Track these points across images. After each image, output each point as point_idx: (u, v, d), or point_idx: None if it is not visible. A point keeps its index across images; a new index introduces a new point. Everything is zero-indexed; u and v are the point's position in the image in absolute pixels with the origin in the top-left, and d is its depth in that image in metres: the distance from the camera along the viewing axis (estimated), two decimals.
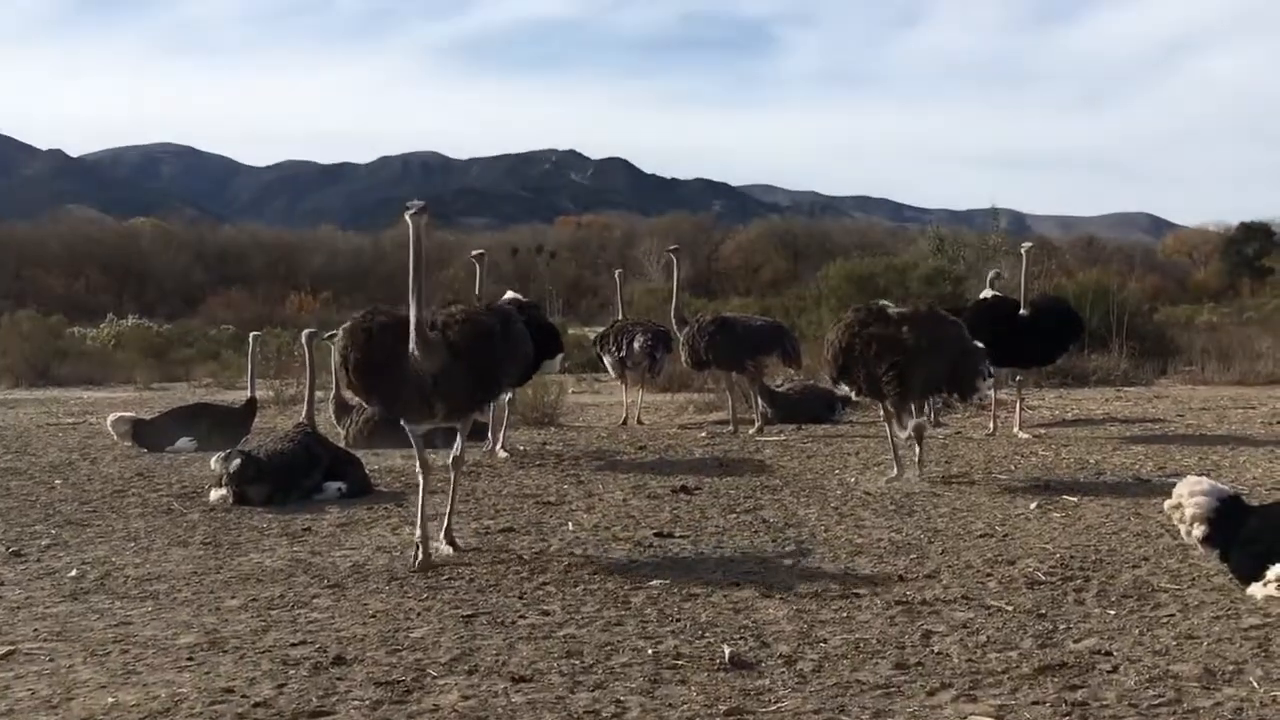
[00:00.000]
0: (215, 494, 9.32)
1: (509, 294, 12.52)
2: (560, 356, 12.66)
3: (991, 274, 14.83)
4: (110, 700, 4.79)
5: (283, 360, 21.14)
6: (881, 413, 10.34)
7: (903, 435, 9.74)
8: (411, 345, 6.82)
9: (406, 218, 6.90)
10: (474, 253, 12.57)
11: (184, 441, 12.49)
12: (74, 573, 7.08)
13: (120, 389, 24.28)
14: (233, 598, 6.46)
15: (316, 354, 10.74)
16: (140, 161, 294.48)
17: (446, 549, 7.41)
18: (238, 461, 9.26)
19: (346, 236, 79.06)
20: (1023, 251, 14.20)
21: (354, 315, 7.55)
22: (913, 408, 9.90)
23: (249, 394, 13.16)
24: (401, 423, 7.45)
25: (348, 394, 7.71)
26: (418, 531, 7.26)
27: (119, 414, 13.28)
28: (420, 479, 7.44)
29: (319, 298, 51.20)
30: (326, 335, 12.06)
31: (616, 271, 17.62)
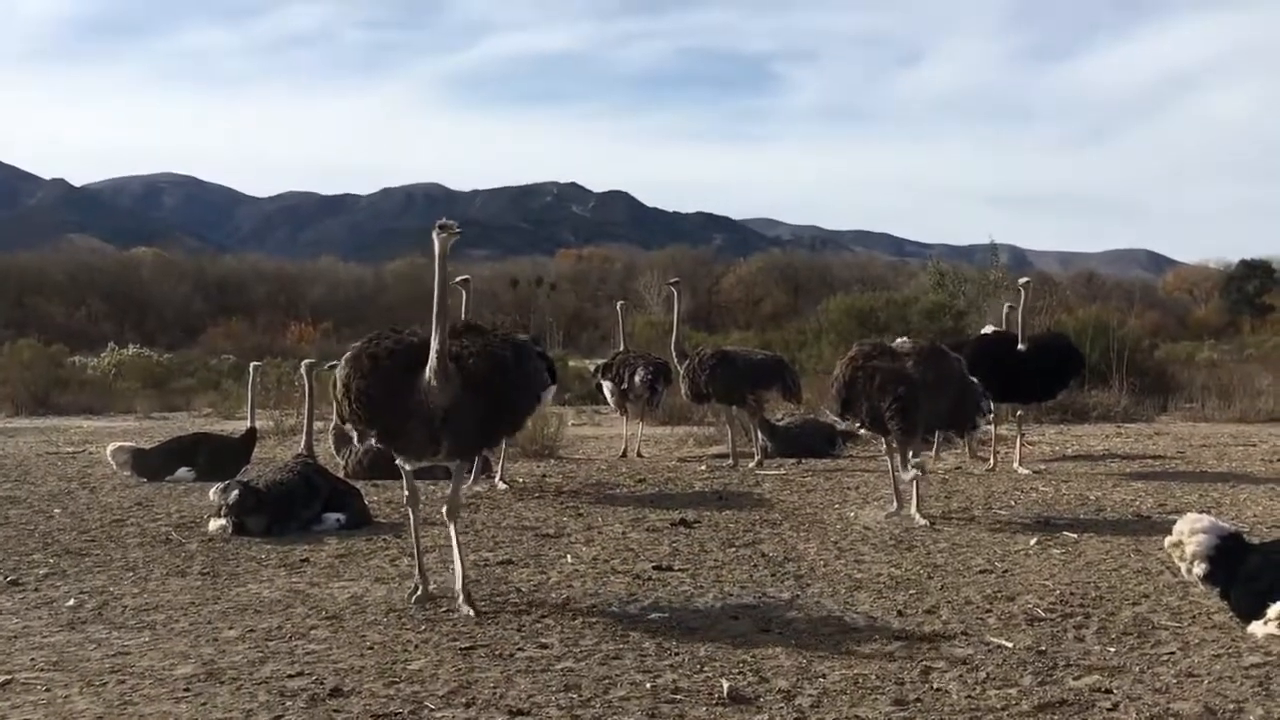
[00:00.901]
0: (214, 524, 9.31)
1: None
2: (553, 389, 12.60)
3: (1006, 307, 14.93)
4: None
5: (283, 390, 21.14)
6: (883, 447, 10.35)
7: (907, 476, 9.72)
8: (429, 374, 6.31)
9: (434, 236, 6.43)
10: (457, 279, 12.44)
11: (183, 471, 12.48)
12: (72, 602, 7.07)
13: (120, 418, 24.28)
14: (230, 628, 6.44)
15: (316, 384, 10.75)
16: (143, 191, 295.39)
17: (467, 610, 6.70)
18: (236, 492, 9.25)
19: (348, 267, 79.29)
20: (1021, 287, 14.23)
21: (358, 341, 6.99)
22: (916, 443, 9.92)
23: (249, 424, 13.15)
24: (397, 459, 6.94)
25: (347, 427, 7.03)
26: (416, 564, 7.09)
27: (118, 444, 13.27)
28: (409, 512, 7.12)
29: (319, 328, 51.30)
30: (327, 366, 12.08)
31: (619, 303, 17.61)
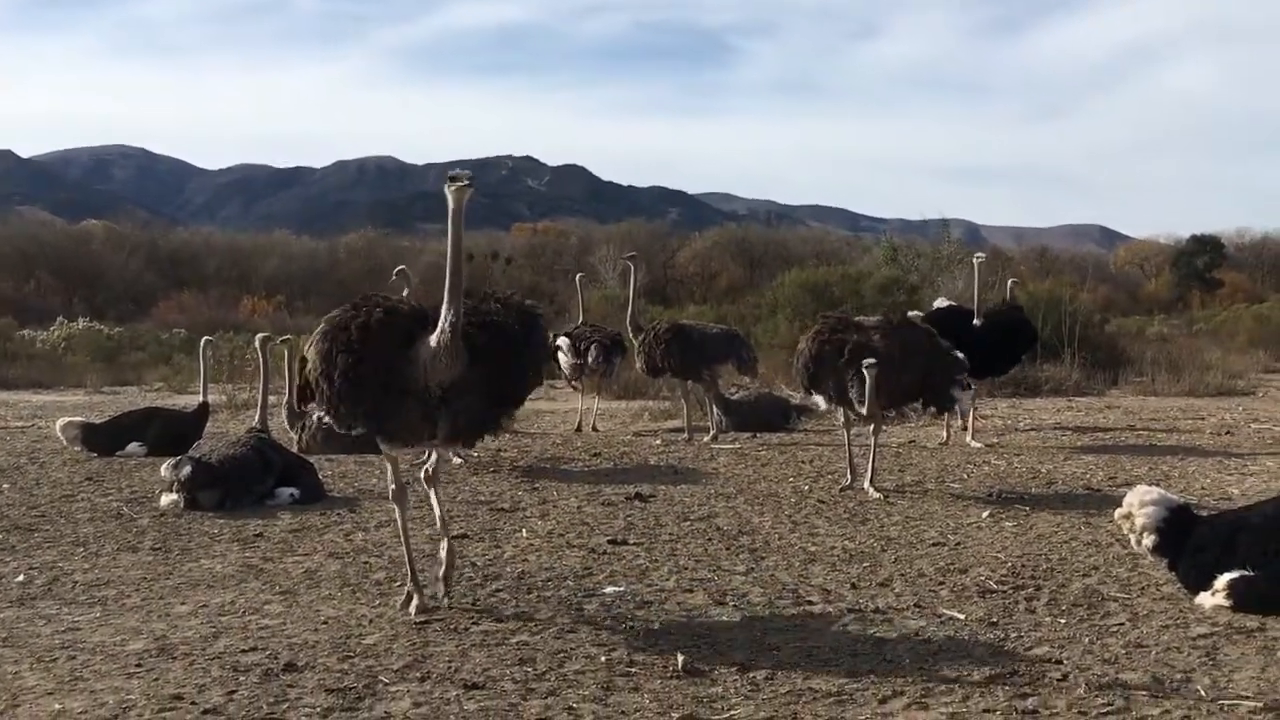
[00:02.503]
0: (166, 499, 9.25)
1: None
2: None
3: (1012, 282, 15.25)
4: (57, 707, 4.74)
5: (235, 365, 20.98)
6: (840, 420, 10.38)
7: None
8: (435, 346, 5.55)
9: (447, 191, 5.70)
10: (396, 270, 12.36)
11: (134, 446, 12.38)
12: (21, 578, 7.01)
13: (70, 392, 24.01)
14: (183, 604, 6.41)
15: (270, 358, 10.67)
16: (92, 163, 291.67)
17: (441, 590, 6.31)
18: (188, 469, 9.18)
19: (301, 241, 78.45)
20: (975, 263, 14.31)
21: (339, 309, 6.10)
22: (883, 417, 9.93)
23: (201, 399, 13.05)
24: (383, 446, 6.16)
25: (320, 412, 6.35)
26: (406, 568, 6.23)
27: (68, 418, 13.13)
28: (396, 512, 6.41)
29: (273, 302, 50.85)
30: (280, 340, 12.01)
31: (578, 276, 17.60)
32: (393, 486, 6.30)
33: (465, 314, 5.66)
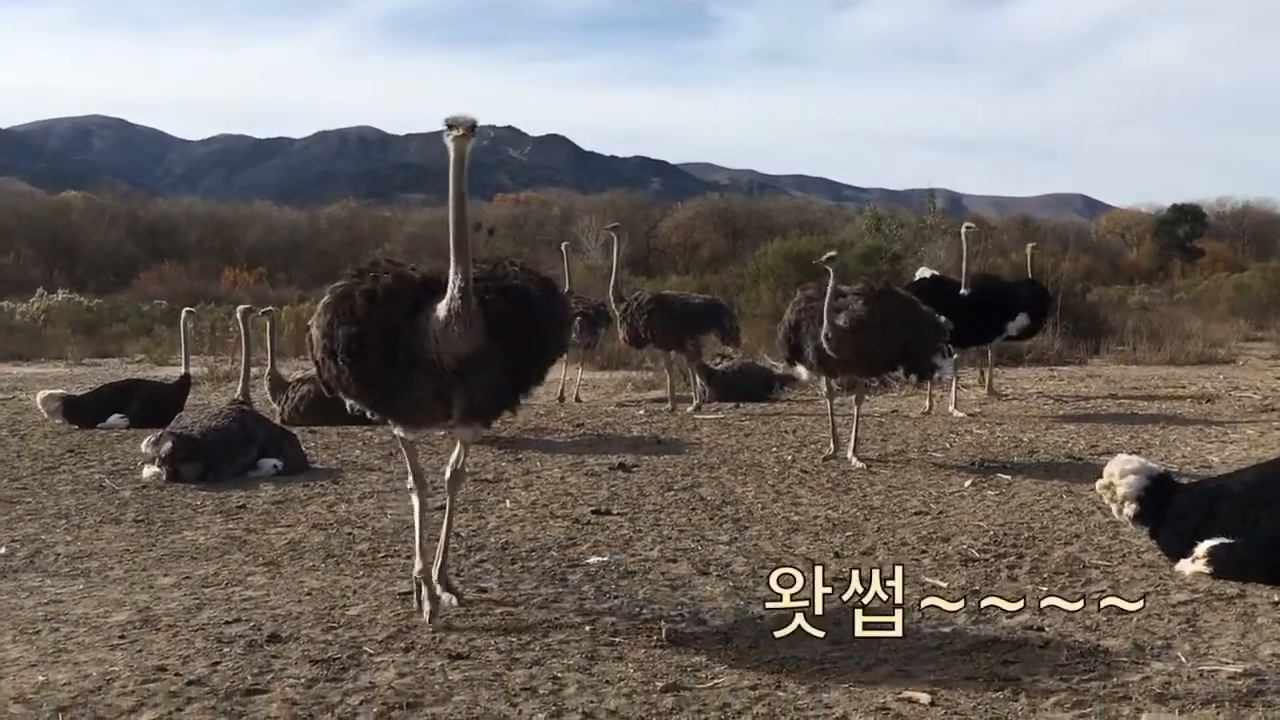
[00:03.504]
0: (148, 471, 9.23)
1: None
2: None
3: (1030, 246, 15.52)
4: (41, 679, 4.73)
5: (217, 336, 20.92)
6: (823, 389, 10.38)
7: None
8: (446, 315, 4.95)
9: (447, 140, 5.06)
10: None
11: (116, 418, 12.35)
12: (3, 550, 6.99)
13: (50, 365, 23.92)
14: (166, 575, 6.40)
15: (252, 330, 10.64)
16: (71, 134, 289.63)
17: (448, 597, 5.71)
18: (169, 444, 9.14)
19: (282, 212, 78.15)
20: (963, 233, 14.31)
21: (343, 277, 5.55)
22: (868, 385, 9.94)
23: (183, 370, 13.01)
24: (396, 430, 5.64)
25: (329, 391, 5.59)
26: (416, 564, 5.64)
27: (49, 390, 13.09)
28: (414, 501, 5.80)
29: (254, 273, 50.67)
30: (262, 311, 11.97)
31: (564, 245, 17.59)
32: (410, 476, 5.76)
33: (480, 279, 5.15)
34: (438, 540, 5.82)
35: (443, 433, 6.00)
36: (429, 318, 5.03)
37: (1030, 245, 16.29)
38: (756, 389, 14.75)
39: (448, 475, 5.76)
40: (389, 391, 5.27)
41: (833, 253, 9.87)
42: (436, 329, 4.99)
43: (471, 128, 5.01)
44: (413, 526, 5.80)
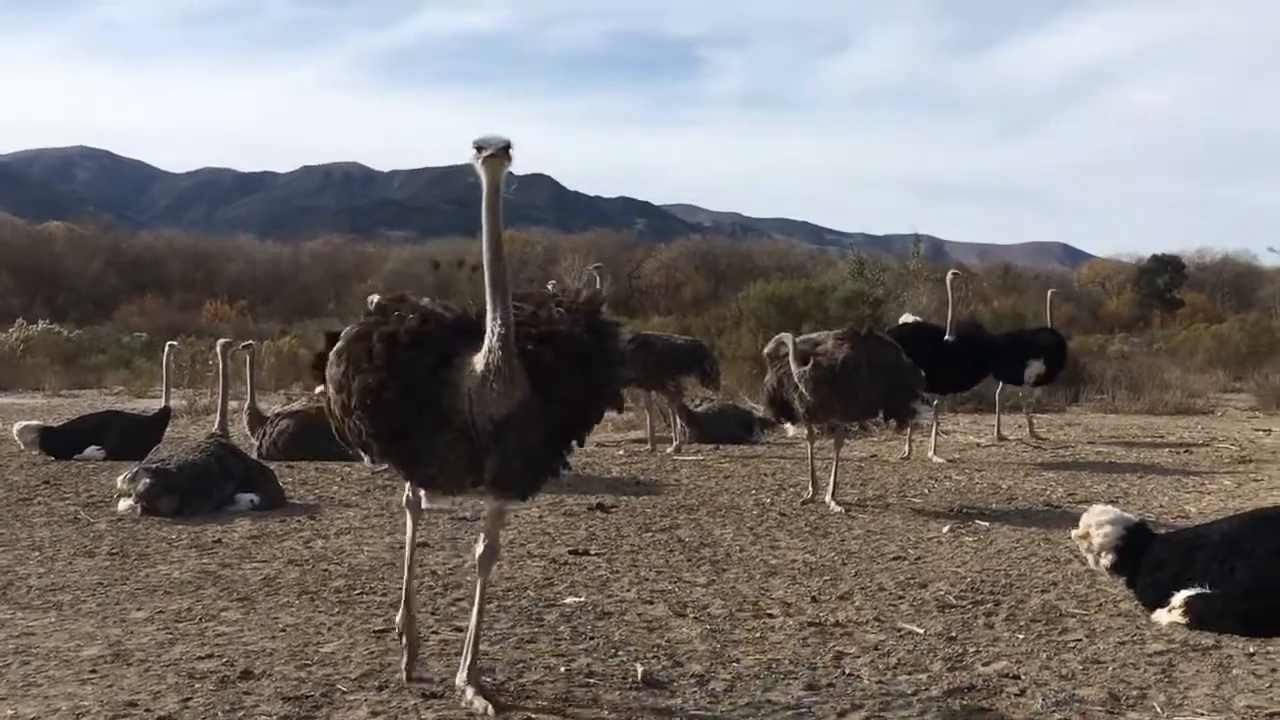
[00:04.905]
0: (124, 504, 9.19)
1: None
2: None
3: (1051, 293, 16.09)
4: (9, 713, 4.69)
5: (196, 369, 20.86)
6: (803, 433, 10.40)
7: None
8: (483, 369, 4.26)
9: (478, 166, 4.37)
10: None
11: (92, 450, 12.30)
12: None
13: (28, 395, 23.82)
14: (139, 609, 6.36)
15: (231, 364, 10.62)
16: (55, 164, 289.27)
17: (481, 704, 4.73)
18: (146, 481, 9.10)
19: (265, 246, 78.28)
20: (948, 280, 14.37)
21: (365, 314, 4.92)
22: (848, 430, 10.00)
23: (163, 403, 12.97)
24: (415, 492, 5.09)
25: (347, 442, 4.82)
26: (400, 612, 5.11)
27: (26, 421, 13.03)
28: (407, 524, 5.18)
29: (235, 306, 50.68)
30: (242, 345, 11.94)
31: (550, 284, 17.62)
32: (407, 493, 5.14)
33: (522, 324, 4.44)
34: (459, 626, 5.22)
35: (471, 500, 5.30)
36: (462, 372, 4.33)
37: (1051, 292, 16.45)
38: (737, 431, 14.76)
39: (478, 552, 4.87)
40: (412, 454, 4.57)
41: (785, 335, 10.07)
42: (472, 387, 4.28)
43: (505, 149, 4.33)
44: (402, 560, 5.27)
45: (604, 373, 4.76)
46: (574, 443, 4.78)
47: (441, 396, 4.36)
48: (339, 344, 4.75)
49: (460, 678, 4.86)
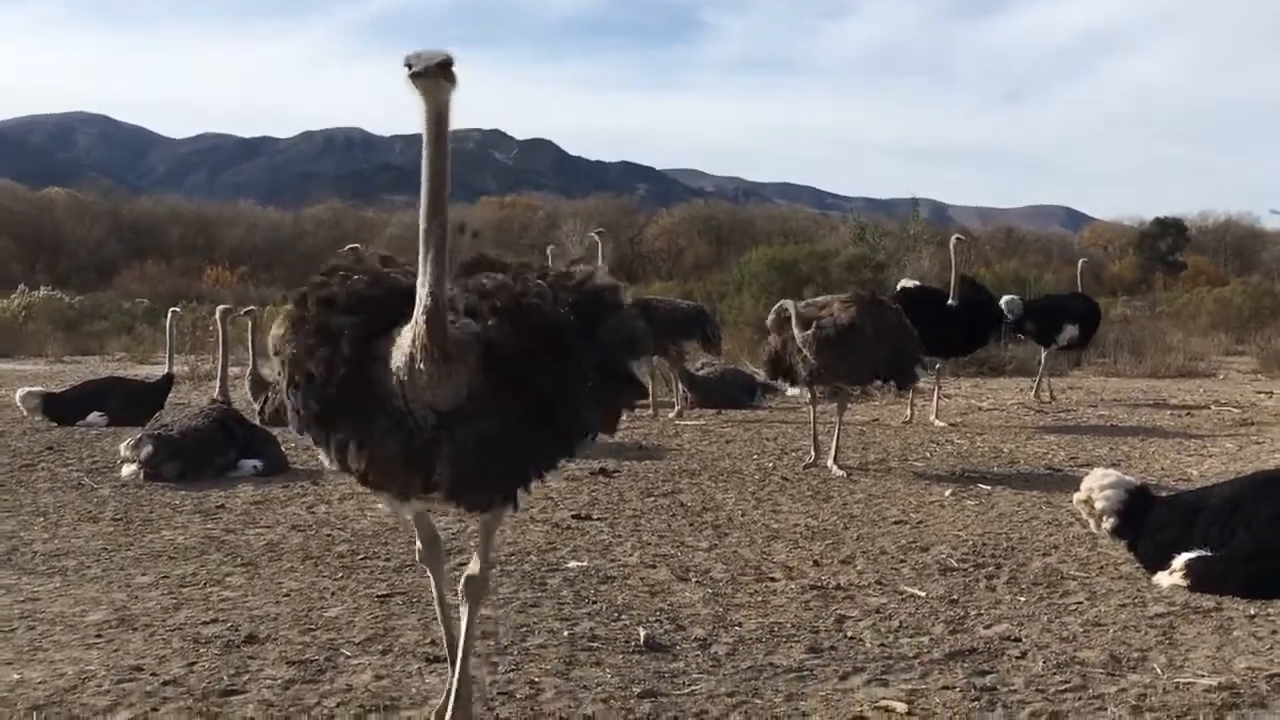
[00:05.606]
0: (127, 469, 9.21)
1: None
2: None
3: (1082, 262, 16.79)
4: (15, 677, 4.72)
5: (198, 335, 20.86)
6: (806, 397, 10.41)
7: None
8: (410, 345, 3.42)
9: (414, 84, 3.42)
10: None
11: (95, 416, 12.32)
12: None
13: (30, 362, 23.84)
14: (143, 575, 6.38)
15: (231, 329, 10.62)
16: (54, 130, 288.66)
17: None
18: (149, 448, 9.12)
19: (266, 211, 78.23)
20: (951, 244, 14.33)
21: (311, 279, 3.93)
22: (850, 394, 10.02)
23: (166, 369, 12.98)
24: (376, 496, 4.16)
25: (298, 425, 3.92)
26: (453, 676, 4.18)
27: (28, 388, 13.05)
28: (429, 577, 4.38)
29: (236, 272, 50.62)
30: (244, 311, 11.94)
31: (549, 248, 17.58)
32: (417, 544, 4.33)
33: (479, 292, 3.68)
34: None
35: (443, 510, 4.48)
36: (391, 344, 3.51)
37: (1081, 261, 16.72)
38: (738, 396, 14.76)
39: (461, 582, 4.10)
40: (343, 443, 3.74)
41: (787, 301, 10.06)
42: (399, 364, 3.44)
43: (444, 65, 3.43)
44: (434, 612, 4.50)
45: (589, 357, 3.81)
46: (561, 444, 3.95)
47: (372, 372, 3.53)
48: (285, 309, 4.01)
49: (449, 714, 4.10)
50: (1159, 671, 4.90)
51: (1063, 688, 4.71)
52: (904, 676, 4.84)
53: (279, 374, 3.90)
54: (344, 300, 3.69)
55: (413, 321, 3.39)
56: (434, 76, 3.40)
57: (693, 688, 4.68)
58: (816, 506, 8.44)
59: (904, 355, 9.83)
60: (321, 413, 3.72)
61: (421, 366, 3.39)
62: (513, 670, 4.85)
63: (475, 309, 3.60)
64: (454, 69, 3.43)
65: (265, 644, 5.17)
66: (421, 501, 3.90)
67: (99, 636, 5.27)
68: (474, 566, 4.09)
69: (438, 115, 3.45)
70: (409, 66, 3.39)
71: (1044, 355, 16.18)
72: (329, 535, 7.35)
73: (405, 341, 3.41)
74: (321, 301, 3.73)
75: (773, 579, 6.37)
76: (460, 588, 4.11)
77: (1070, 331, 15.52)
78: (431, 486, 3.68)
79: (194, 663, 4.91)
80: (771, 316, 10.11)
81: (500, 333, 3.56)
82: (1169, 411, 14.54)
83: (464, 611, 4.11)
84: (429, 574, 4.31)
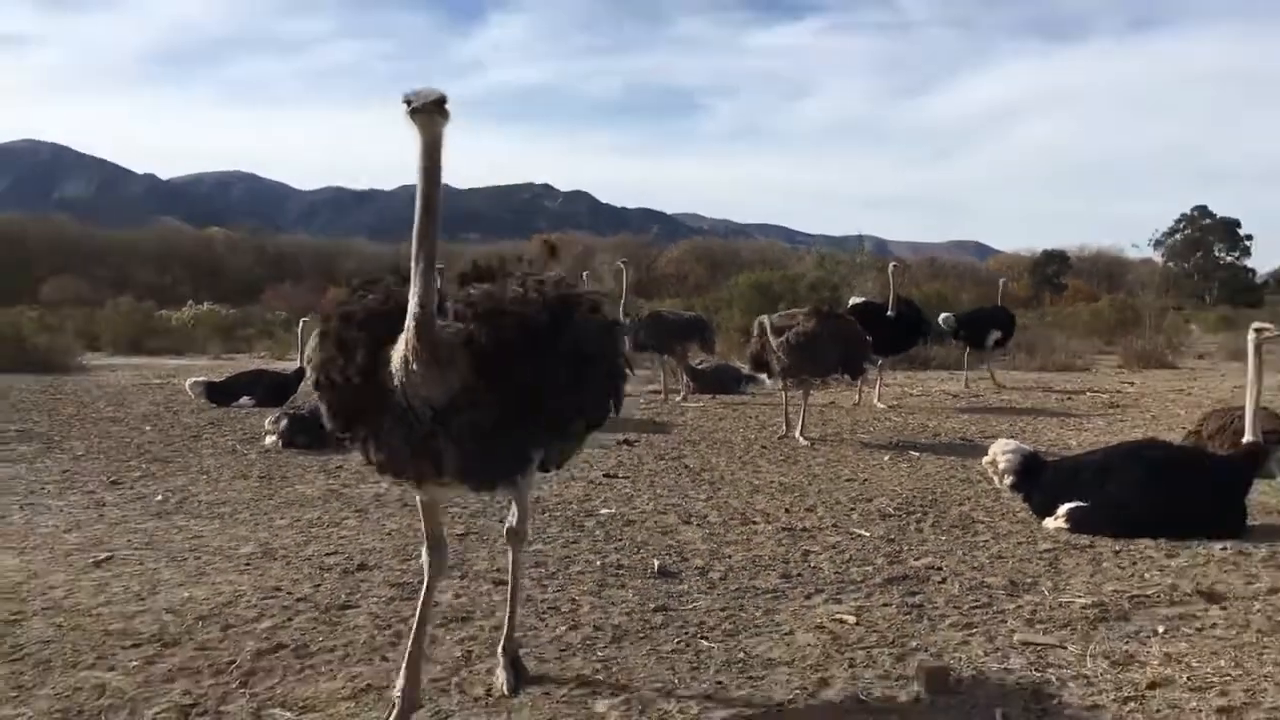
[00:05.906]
0: (269, 440, 9.24)
1: None
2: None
3: (1003, 281, 17.09)
4: (186, 595, 4.74)
5: None
6: (778, 386, 10.39)
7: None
8: (402, 349, 3.11)
9: (410, 118, 3.02)
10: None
11: (245, 400, 12.36)
12: (160, 497, 7.00)
13: (197, 358, 23.92)
14: (281, 518, 6.40)
15: None
16: (215, 184, 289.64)
17: (502, 677, 3.77)
18: (285, 423, 9.18)
19: (374, 246, 78.35)
20: (890, 270, 14.32)
21: (336, 297, 3.85)
22: (812, 383, 10.01)
23: (299, 364, 13.00)
24: (395, 480, 3.55)
25: (329, 422, 3.51)
26: (399, 678, 3.53)
27: (195, 378, 13.12)
28: (424, 571, 3.69)
29: None
30: None
31: (584, 273, 17.55)
32: (425, 545, 3.72)
33: (466, 300, 3.38)
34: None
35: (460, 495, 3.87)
36: (392, 350, 3.18)
37: (1002, 280, 16.69)
38: (729, 385, 14.72)
39: (505, 533, 3.88)
40: (363, 440, 3.39)
41: (763, 317, 10.08)
42: (397, 368, 3.14)
43: (438, 104, 3.02)
44: (415, 613, 3.69)
45: (561, 355, 3.42)
46: (548, 436, 3.57)
47: (382, 377, 3.18)
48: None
49: (499, 647, 3.86)
50: (1046, 593, 4.88)
51: (974, 605, 4.69)
52: (854, 596, 4.83)
53: (310, 380, 3.54)
54: (360, 316, 3.36)
55: (405, 329, 3.09)
56: (430, 112, 3.01)
57: (694, 604, 4.68)
58: (787, 468, 8.42)
59: (854, 354, 9.85)
60: (343, 412, 3.41)
61: (414, 367, 3.09)
62: (558, 591, 4.86)
63: (462, 314, 3.29)
64: (447, 105, 3.02)
65: (373, 570, 5.18)
66: (437, 487, 3.47)
67: (248, 565, 5.30)
68: (513, 519, 3.83)
69: (432, 146, 3.06)
70: (408, 103, 3.01)
71: (967, 355, 16.16)
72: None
73: (401, 347, 3.11)
74: (342, 317, 3.40)
75: (754, 523, 6.36)
76: (504, 534, 3.87)
77: (995, 335, 15.65)
78: (441, 472, 3.31)
79: (319, 584, 4.93)
80: (755, 330, 10.10)
81: (481, 333, 3.22)
82: (1054, 396, 14.45)
83: (510, 554, 3.90)
84: (426, 574, 3.67)
